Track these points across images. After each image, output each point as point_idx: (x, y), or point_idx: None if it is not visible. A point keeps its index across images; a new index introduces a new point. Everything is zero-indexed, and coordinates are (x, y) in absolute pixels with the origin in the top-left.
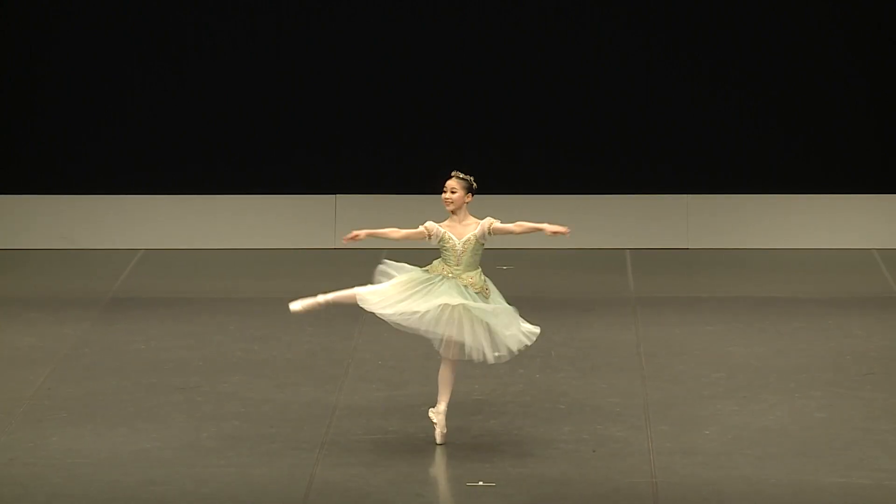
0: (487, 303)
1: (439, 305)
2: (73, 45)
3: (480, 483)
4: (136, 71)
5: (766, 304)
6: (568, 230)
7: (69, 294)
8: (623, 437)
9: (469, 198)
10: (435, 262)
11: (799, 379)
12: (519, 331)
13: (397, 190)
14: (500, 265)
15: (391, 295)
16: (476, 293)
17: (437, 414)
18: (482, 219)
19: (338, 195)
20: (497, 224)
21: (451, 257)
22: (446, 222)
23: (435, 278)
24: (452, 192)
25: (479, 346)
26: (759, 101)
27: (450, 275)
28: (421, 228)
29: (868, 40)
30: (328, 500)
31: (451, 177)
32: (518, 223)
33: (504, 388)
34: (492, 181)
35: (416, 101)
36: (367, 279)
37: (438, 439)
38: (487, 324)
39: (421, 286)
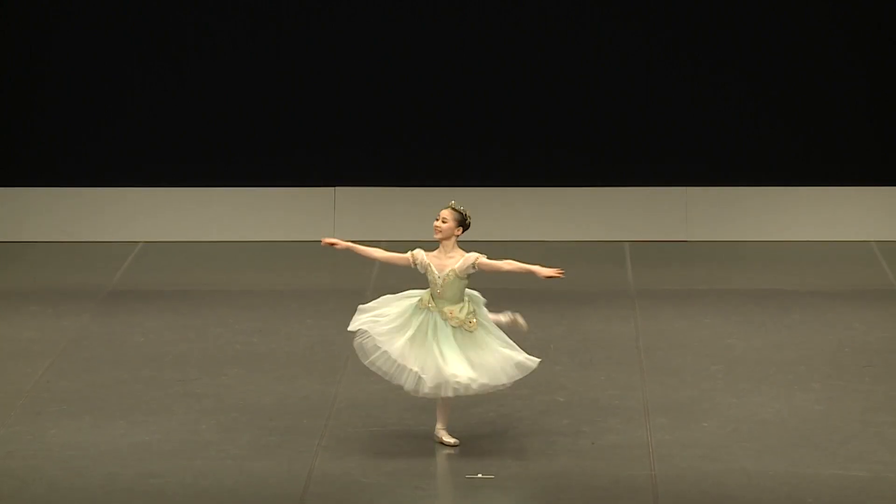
0: (469, 336)
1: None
2: (73, 39)
3: (479, 475)
4: (135, 64)
5: (764, 297)
6: (562, 273)
7: (68, 287)
8: (622, 429)
9: (459, 232)
10: (424, 293)
11: (798, 372)
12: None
13: (396, 182)
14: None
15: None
16: (454, 327)
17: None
18: (468, 252)
19: (337, 188)
20: (483, 259)
21: (434, 289)
22: (434, 252)
23: (416, 314)
24: (443, 222)
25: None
26: (758, 94)
27: (431, 307)
28: (407, 255)
29: (867, 34)
30: (327, 492)
31: (446, 206)
32: (508, 262)
33: None
34: (491, 174)
35: (415, 94)
36: (366, 272)
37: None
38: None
39: (403, 321)
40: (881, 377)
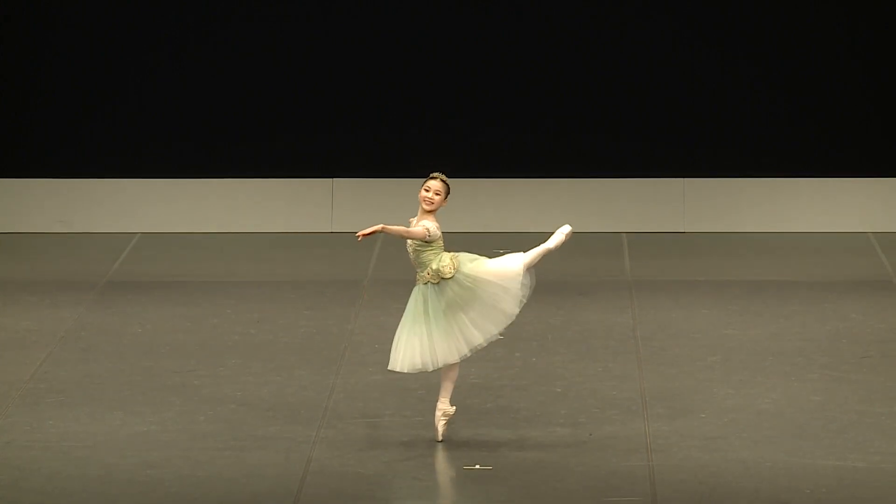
0: (443, 291)
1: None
2: (70, 31)
3: (477, 466)
4: (132, 56)
5: (762, 288)
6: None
7: (66, 278)
8: (619, 420)
9: (445, 203)
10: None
11: (795, 362)
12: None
13: (395, 173)
14: (497, 249)
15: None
16: (434, 285)
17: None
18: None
19: (335, 178)
20: (423, 228)
21: (411, 257)
22: (413, 219)
23: (415, 300)
24: (436, 195)
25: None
26: (756, 85)
27: (420, 277)
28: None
29: (865, 25)
30: (325, 483)
31: (434, 177)
32: (411, 229)
33: (500, 371)
34: (489, 165)
35: (413, 85)
36: (364, 263)
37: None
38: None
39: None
40: (878, 368)
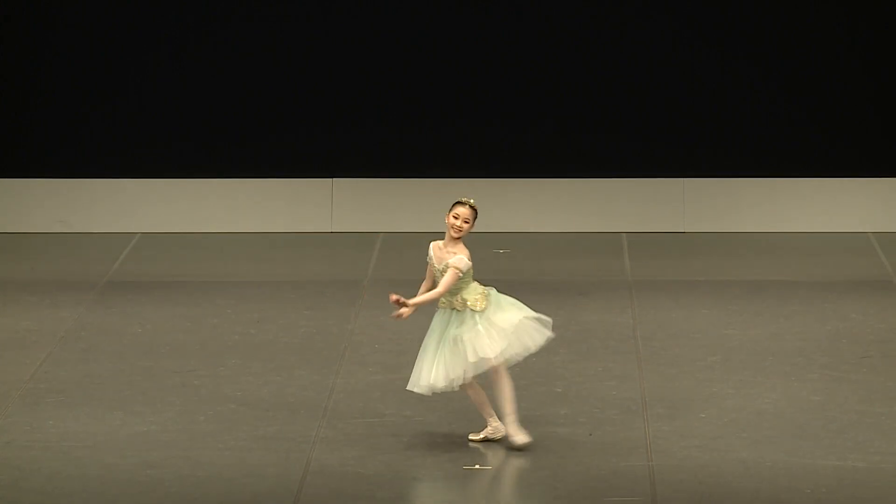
0: (479, 320)
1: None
2: (70, 30)
3: (477, 466)
4: (132, 55)
5: (762, 288)
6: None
7: (66, 278)
8: (619, 420)
9: (472, 227)
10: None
11: (795, 362)
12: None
13: (394, 174)
14: (497, 249)
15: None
16: (458, 312)
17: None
18: (464, 250)
19: (335, 178)
20: (450, 274)
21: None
22: (440, 243)
23: (435, 324)
24: (465, 222)
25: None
26: (756, 85)
27: (444, 303)
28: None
29: (866, 24)
30: (325, 483)
31: (462, 203)
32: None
33: None
34: (489, 165)
35: (413, 85)
36: (363, 263)
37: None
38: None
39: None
40: (878, 368)
